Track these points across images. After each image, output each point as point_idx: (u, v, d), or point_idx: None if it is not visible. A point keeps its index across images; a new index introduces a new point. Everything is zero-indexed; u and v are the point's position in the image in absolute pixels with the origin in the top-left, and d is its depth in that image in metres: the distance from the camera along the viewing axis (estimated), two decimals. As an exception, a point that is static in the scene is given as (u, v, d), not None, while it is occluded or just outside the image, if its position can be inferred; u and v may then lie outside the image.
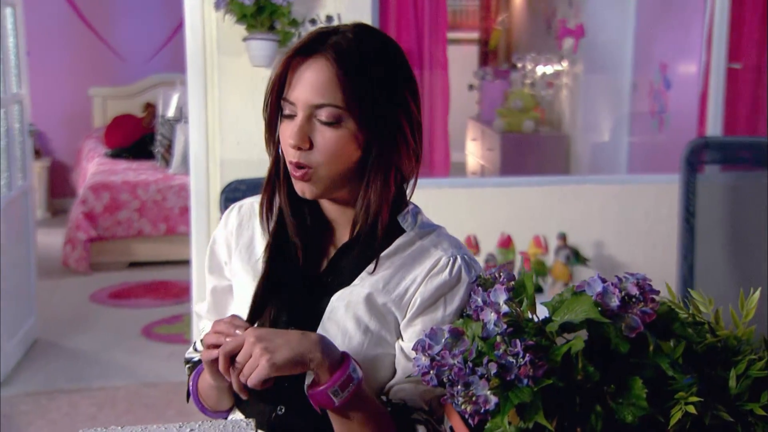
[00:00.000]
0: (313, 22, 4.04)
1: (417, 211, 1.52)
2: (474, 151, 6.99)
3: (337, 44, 1.38)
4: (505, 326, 1.16)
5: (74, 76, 8.24)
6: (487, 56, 7.72)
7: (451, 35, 8.75)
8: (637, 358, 1.17)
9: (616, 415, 1.12)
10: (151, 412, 4.05)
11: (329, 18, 4.03)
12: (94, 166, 7.11)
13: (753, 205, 3.80)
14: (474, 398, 1.12)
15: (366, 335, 1.43)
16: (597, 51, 6.06)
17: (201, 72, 4.05)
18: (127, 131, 7.78)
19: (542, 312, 1.24)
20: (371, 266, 1.43)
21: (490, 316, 1.17)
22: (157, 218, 6.39)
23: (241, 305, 1.50)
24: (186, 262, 4.73)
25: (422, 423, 1.40)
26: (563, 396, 1.14)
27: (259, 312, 1.44)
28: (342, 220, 1.48)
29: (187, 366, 1.58)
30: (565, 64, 6.28)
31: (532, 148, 6.29)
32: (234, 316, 1.35)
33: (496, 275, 1.29)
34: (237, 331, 1.30)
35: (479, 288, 1.27)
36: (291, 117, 1.40)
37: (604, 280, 1.17)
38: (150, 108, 8.03)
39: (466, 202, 4.31)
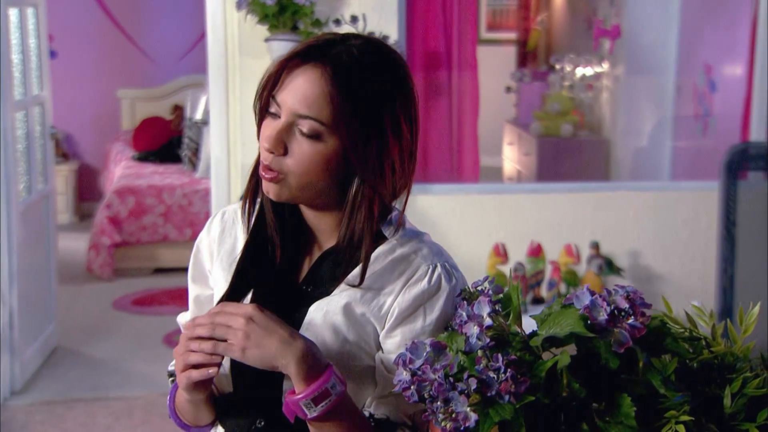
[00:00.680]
0: (337, 22, 4.06)
1: (398, 217, 1.49)
2: (510, 156, 6.96)
3: (338, 57, 1.36)
4: (488, 340, 1.16)
5: (103, 78, 8.34)
6: (525, 57, 7.69)
7: (489, 36, 8.76)
8: (628, 375, 1.16)
9: (602, 433, 1.11)
10: (168, 424, 4.05)
11: (354, 18, 4.03)
12: (120, 170, 7.19)
13: (796, 214, 3.75)
14: (454, 415, 1.12)
15: (344, 346, 1.42)
16: (639, 52, 6.01)
17: (223, 73, 4.08)
18: (155, 134, 7.85)
19: (532, 326, 1.23)
20: (351, 279, 1.43)
21: (473, 330, 1.17)
22: (183, 223, 6.44)
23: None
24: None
25: None
26: (548, 413, 1.13)
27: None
28: (322, 227, 1.48)
29: (170, 379, 1.58)
30: (605, 65, 6.23)
31: (570, 153, 6.25)
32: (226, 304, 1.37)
33: (483, 288, 1.29)
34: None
35: (464, 301, 1.26)
36: (274, 116, 1.39)
37: (593, 293, 1.16)
38: (178, 110, 8.10)
39: (496, 209, 4.29)
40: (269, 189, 1.41)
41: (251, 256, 1.47)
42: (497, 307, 1.20)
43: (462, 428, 1.11)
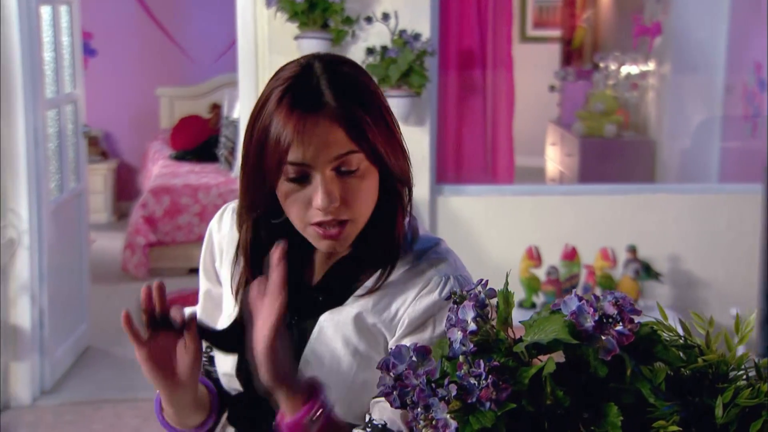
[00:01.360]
0: (368, 20, 4.07)
1: (414, 224, 1.50)
2: (553, 157, 6.92)
3: (334, 94, 1.35)
4: (472, 345, 1.15)
5: (142, 76, 8.43)
6: (570, 55, 7.64)
7: (535, 33, 8.72)
8: (617, 383, 1.15)
9: (587, 443, 1.10)
10: (196, 425, 4.11)
11: (385, 16, 4.04)
12: (157, 169, 7.26)
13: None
14: (434, 422, 1.11)
15: (355, 357, 1.42)
16: (687, 50, 5.94)
17: (253, 72, 4.12)
18: (193, 133, 7.92)
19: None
20: (367, 286, 1.43)
21: (457, 335, 1.16)
22: (218, 223, 6.48)
23: (228, 316, 1.52)
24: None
25: None
26: (532, 422, 1.13)
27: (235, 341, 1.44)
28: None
29: None
30: (651, 64, 6.17)
31: (613, 154, 6.19)
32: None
33: (476, 291, 1.28)
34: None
35: (455, 306, 1.26)
36: (300, 181, 1.37)
37: (580, 299, 1.15)
38: (216, 109, 8.17)
39: (530, 211, 4.27)
40: (335, 246, 1.40)
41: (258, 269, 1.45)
42: (486, 312, 1.19)
43: (442, 435, 1.11)
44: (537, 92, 7.64)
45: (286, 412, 1.31)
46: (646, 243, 4.21)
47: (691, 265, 4.35)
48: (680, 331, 1.22)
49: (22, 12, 4.15)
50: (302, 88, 1.36)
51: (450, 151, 4.53)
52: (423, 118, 4.16)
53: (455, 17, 4.45)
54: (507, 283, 1.22)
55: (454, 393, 1.11)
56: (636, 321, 1.14)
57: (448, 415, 1.11)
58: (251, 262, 1.46)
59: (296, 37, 3.96)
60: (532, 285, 3.92)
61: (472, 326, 1.16)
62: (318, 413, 1.31)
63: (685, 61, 5.95)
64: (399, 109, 4.00)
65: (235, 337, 1.43)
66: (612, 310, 1.14)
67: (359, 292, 1.44)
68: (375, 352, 1.43)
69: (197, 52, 8.46)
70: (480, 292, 1.26)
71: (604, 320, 1.14)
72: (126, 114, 8.51)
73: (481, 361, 1.12)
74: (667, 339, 1.20)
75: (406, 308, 1.42)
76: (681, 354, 1.18)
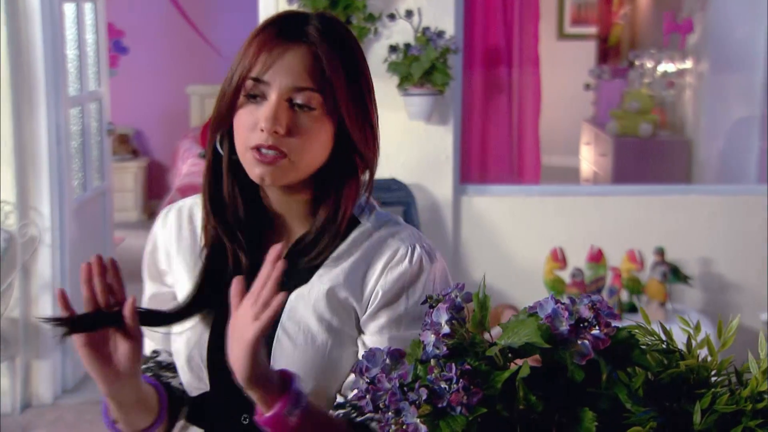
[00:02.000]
0: (391, 17, 4.07)
1: (372, 202, 1.53)
2: (587, 157, 6.88)
3: (317, 34, 1.41)
4: (445, 349, 1.15)
5: (173, 74, 8.50)
6: (607, 53, 7.59)
7: (573, 30, 8.67)
8: (594, 388, 1.14)
9: (560, 449, 1.09)
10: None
11: (409, 13, 4.04)
12: (186, 167, 7.31)
13: None
14: (404, 426, 1.11)
15: (330, 333, 1.43)
16: (725, 47, 5.88)
17: (274, 70, 4.12)
18: (223, 131, 7.96)
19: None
20: (333, 259, 1.46)
21: (430, 338, 1.16)
22: (245, 223, 6.51)
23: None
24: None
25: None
26: (505, 427, 1.12)
27: (192, 311, 1.45)
28: (292, 213, 1.49)
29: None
30: (688, 62, 6.11)
31: (649, 154, 6.15)
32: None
33: (454, 294, 1.27)
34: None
35: (430, 309, 1.26)
36: (258, 99, 1.40)
37: (557, 302, 1.14)
38: (246, 107, 8.20)
39: (556, 212, 4.25)
40: (266, 173, 1.40)
41: (217, 252, 1.48)
42: (462, 316, 1.19)
43: (413, 440, 1.10)
44: (574, 90, 7.61)
45: (263, 408, 1.30)
46: (675, 245, 4.17)
47: (722, 268, 4.30)
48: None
49: (45, 9, 4.19)
50: (289, 20, 1.43)
51: (475, 150, 4.51)
52: (446, 116, 4.15)
53: (481, 14, 4.43)
54: (484, 286, 1.21)
55: (424, 397, 1.10)
56: (613, 325, 1.13)
57: (418, 420, 1.11)
58: (212, 207, 1.48)
59: (317, 35, 3.96)
60: (556, 287, 3.90)
61: (446, 329, 1.16)
62: (295, 404, 1.30)
63: (724, 58, 5.89)
64: (421, 107, 3.99)
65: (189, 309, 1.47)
66: (588, 314, 1.13)
67: (321, 269, 1.46)
68: (348, 327, 1.45)
69: (227, 50, 8.49)
70: (456, 295, 1.26)
71: (581, 324, 1.13)
72: (157, 112, 8.58)
73: (453, 364, 1.11)
74: (648, 344, 1.19)
75: (376, 280, 1.45)
76: (664, 359, 1.18)
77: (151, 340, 1.58)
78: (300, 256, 1.47)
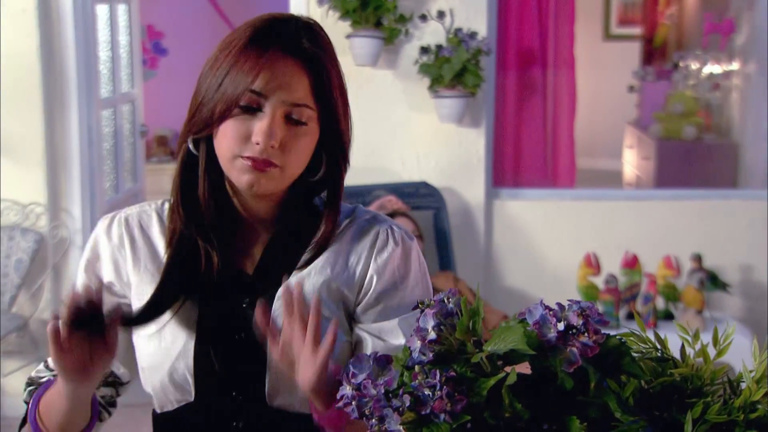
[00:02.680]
0: (423, 18, 4.07)
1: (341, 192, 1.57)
2: (630, 160, 6.83)
3: (312, 46, 1.43)
4: (431, 355, 1.15)
5: (211, 76, 8.55)
6: (652, 54, 7.52)
7: (619, 31, 8.61)
8: (584, 396, 1.13)
9: (546, 458, 1.09)
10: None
11: (441, 13, 4.04)
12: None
13: None
14: (387, 433, 1.11)
15: (323, 324, 1.44)
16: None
17: (304, 72, 4.14)
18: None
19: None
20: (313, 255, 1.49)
21: (416, 344, 1.16)
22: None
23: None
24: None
25: None
26: (491, 435, 1.11)
27: (159, 312, 1.46)
28: (262, 215, 1.51)
29: (30, 389, 1.56)
30: (735, 63, 6.03)
31: (693, 158, 6.07)
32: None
33: (444, 300, 1.27)
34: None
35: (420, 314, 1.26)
36: (252, 110, 1.41)
37: (546, 308, 1.14)
38: (282, 109, 8.24)
39: (591, 216, 4.22)
40: (256, 180, 1.42)
41: (184, 252, 1.48)
42: (451, 321, 1.19)
43: (396, 447, 1.10)
44: (616, 92, 7.55)
45: (320, 407, 1.34)
46: (714, 251, 4.12)
47: (763, 275, 4.24)
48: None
49: (77, 11, 4.24)
50: (281, 29, 1.44)
51: (508, 153, 4.50)
52: (478, 119, 4.13)
53: (515, 15, 4.41)
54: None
55: (407, 404, 1.10)
56: (602, 332, 1.12)
57: (401, 427, 1.11)
58: (183, 203, 1.49)
59: (348, 36, 3.98)
60: (590, 294, 3.87)
61: (432, 335, 1.16)
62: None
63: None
64: (453, 109, 3.98)
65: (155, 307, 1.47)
66: (577, 321, 1.12)
67: (309, 265, 1.49)
68: (343, 316, 1.50)
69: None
70: (447, 301, 1.25)
71: (569, 331, 1.12)
72: (194, 114, 8.63)
73: (437, 371, 1.11)
74: (642, 351, 1.18)
75: (365, 265, 1.50)
76: (658, 367, 1.16)
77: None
78: (274, 257, 1.51)
